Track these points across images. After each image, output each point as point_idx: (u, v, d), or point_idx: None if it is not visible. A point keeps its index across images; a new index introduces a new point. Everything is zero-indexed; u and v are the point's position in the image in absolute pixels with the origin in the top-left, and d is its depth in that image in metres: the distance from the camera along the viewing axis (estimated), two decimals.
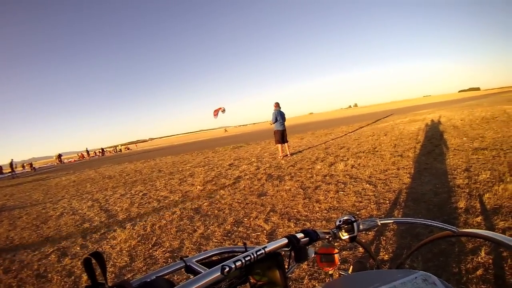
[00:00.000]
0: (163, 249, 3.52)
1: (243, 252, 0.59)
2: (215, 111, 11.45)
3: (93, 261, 0.45)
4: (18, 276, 3.43)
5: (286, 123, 9.83)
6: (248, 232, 3.64)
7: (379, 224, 0.85)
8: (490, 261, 2.19)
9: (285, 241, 0.67)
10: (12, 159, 31.75)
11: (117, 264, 3.31)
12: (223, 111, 11.40)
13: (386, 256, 2.50)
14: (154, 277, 0.53)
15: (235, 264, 0.53)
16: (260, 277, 0.65)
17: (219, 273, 0.50)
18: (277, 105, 9.74)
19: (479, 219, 2.92)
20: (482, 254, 2.26)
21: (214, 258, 0.68)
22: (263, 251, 0.60)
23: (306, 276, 2.38)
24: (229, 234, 3.65)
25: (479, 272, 2.08)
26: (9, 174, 29.50)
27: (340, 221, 0.84)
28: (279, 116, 9.68)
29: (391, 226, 2.97)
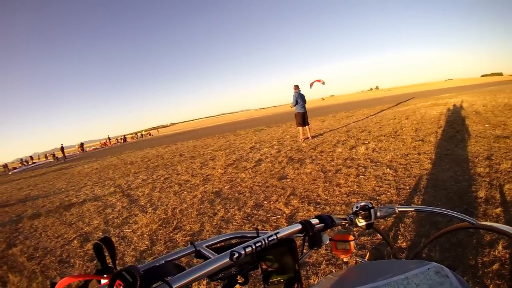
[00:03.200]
0: (184, 233, 3.69)
1: (254, 238, 0.59)
2: (312, 82, 11.67)
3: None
4: (41, 262, 3.65)
5: (307, 106, 9.78)
6: (268, 215, 3.78)
7: (397, 211, 0.82)
8: (507, 255, 2.21)
9: (299, 226, 0.66)
10: (62, 144, 34.66)
11: (138, 248, 3.50)
12: (323, 83, 11.57)
13: (404, 244, 2.58)
14: (163, 261, 0.54)
15: (245, 250, 0.53)
16: (272, 263, 0.65)
17: (228, 259, 0.50)
18: (296, 87, 9.68)
19: (498, 210, 2.94)
20: (500, 248, 2.28)
21: (224, 243, 0.69)
22: (275, 237, 0.59)
23: (324, 261, 2.50)
24: (249, 218, 3.80)
25: (495, 266, 2.10)
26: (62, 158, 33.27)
27: (357, 207, 0.82)
28: (300, 98, 9.65)
29: (410, 214, 3.06)
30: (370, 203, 0.82)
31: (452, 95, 23.02)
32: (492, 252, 2.26)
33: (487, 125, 7.41)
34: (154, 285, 0.42)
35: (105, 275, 0.45)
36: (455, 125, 8.10)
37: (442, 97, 21.87)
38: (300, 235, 0.67)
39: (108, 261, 0.47)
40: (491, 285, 1.94)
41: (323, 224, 0.73)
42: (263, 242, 0.56)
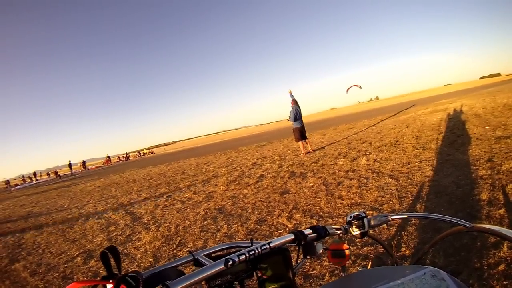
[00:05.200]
0: (187, 249, 3.67)
1: (248, 247, 0.62)
2: (349, 87, 11.90)
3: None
4: (44, 278, 3.68)
5: (307, 119, 9.72)
6: (270, 230, 3.76)
7: (390, 219, 0.84)
8: None
9: (291, 236, 0.69)
10: (70, 161, 35.87)
11: (142, 264, 3.50)
12: (360, 87, 11.80)
13: (408, 251, 2.56)
14: (164, 268, 0.59)
15: (239, 258, 0.57)
16: (266, 271, 0.68)
17: (223, 266, 0.54)
18: (294, 102, 9.70)
19: (502, 211, 2.92)
20: (504, 248, 2.26)
21: (221, 252, 0.73)
22: (267, 246, 0.63)
23: (327, 273, 2.49)
24: (252, 233, 3.78)
25: (500, 267, 2.09)
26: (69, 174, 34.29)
27: (350, 217, 0.85)
28: (297, 113, 9.68)
29: (413, 221, 3.04)
30: (364, 212, 0.84)
31: (452, 100, 23.11)
32: (497, 253, 2.24)
33: (487, 127, 7.41)
34: None
35: (110, 280, 0.47)
36: (456, 130, 8.10)
37: (441, 102, 21.94)
38: (293, 244, 0.70)
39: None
40: (498, 286, 1.91)
41: (316, 234, 0.75)
42: (256, 251, 0.60)
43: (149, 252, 3.83)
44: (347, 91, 11.73)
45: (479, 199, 3.31)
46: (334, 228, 0.83)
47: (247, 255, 0.59)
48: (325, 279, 2.42)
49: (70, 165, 35.37)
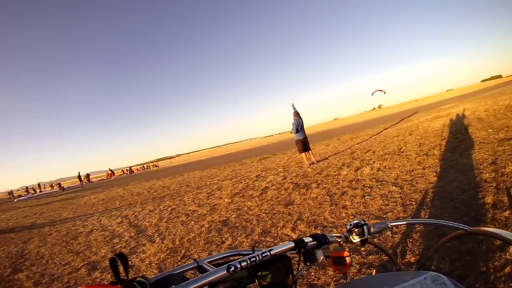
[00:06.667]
0: (191, 261, 3.68)
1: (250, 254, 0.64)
2: (375, 91, 12.32)
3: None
4: None
5: (310, 130, 9.75)
6: (275, 241, 3.75)
7: (390, 226, 0.86)
8: None
9: (292, 244, 0.71)
10: (79, 172, 36.53)
11: (146, 276, 3.51)
12: (384, 93, 12.17)
13: (413, 258, 2.54)
14: (169, 274, 0.61)
15: (240, 264, 0.59)
16: (267, 277, 0.70)
17: (225, 272, 0.56)
18: (296, 114, 9.76)
19: (507, 213, 2.91)
20: (511, 250, 2.24)
21: (224, 260, 0.76)
22: (268, 253, 0.64)
23: (332, 282, 2.48)
24: (257, 244, 3.77)
25: (507, 269, 2.07)
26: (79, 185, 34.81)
27: (350, 225, 0.86)
28: (299, 125, 9.73)
29: (418, 228, 3.03)
30: (363, 220, 0.86)
31: (454, 104, 23.08)
32: (503, 256, 2.23)
33: (490, 130, 7.40)
34: None
35: (118, 285, 0.49)
36: (459, 135, 8.09)
37: (444, 108, 21.92)
38: (294, 252, 0.72)
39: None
40: None
41: (316, 242, 0.76)
42: (257, 258, 0.62)
43: (153, 264, 3.84)
44: (372, 94, 12.09)
45: (483, 202, 3.30)
46: (335, 236, 0.85)
47: (249, 261, 0.60)
48: None
49: (79, 176, 35.66)
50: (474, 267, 2.19)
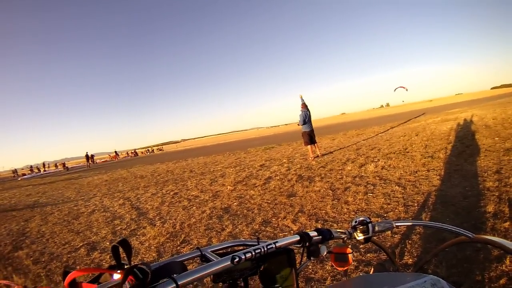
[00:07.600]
0: (191, 246, 3.75)
1: (255, 245, 0.64)
2: (397, 87, 12.55)
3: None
4: (47, 267, 3.77)
5: (317, 124, 9.72)
6: (275, 232, 3.81)
7: (395, 226, 0.85)
8: None
9: (297, 237, 0.71)
10: (87, 152, 36.31)
11: (145, 259, 3.58)
12: (406, 89, 12.34)
13: (410, 260, 2.59)
14: (170, 261, 0.59)
15: (245, 256, 0.58)
16: (271, 270, 0.69)
17: (229, 262, 0.56)
18: (304, 106, 9.75)
19: (507, 224, 2.92)
20: (507, 262, 2.27)
21: (228, 249, 0.75)
22: (273, 245, 0.64)
23: (329, 277, 2.53)
24: (257, 233, 3.83)
25: (502, 281, 2.08)
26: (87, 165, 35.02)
27: (355, 222, 0.86)
28: (307, 117, 9.75)
29: (417, 230, 3.07)
30: (369, 218, 0.86)
31: (463, 109, 22.83)
32: (499, 267, 2.25)
33: (496, 139, 7.38)
34: (162, 281, 0.48)
35: (118, 271, 0.48)
36: (465, 140, 8.07)
37: (452, 112, 21.70)
38: (298, 245, 0.72)
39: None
40: None
41: (321, 237, 0.77)
42: (262, 250, 0.62)
43: (153, 247, 3.90)
44: (395, 90, 12.14)
45: (485, 211, 3.33)
46: (339, 232, 0.84)
47: (253, 253, 0.60)
48: (327, 283, 2.45)
49: (87, 156, 35.70)
50: (469, 275, 2.22)
